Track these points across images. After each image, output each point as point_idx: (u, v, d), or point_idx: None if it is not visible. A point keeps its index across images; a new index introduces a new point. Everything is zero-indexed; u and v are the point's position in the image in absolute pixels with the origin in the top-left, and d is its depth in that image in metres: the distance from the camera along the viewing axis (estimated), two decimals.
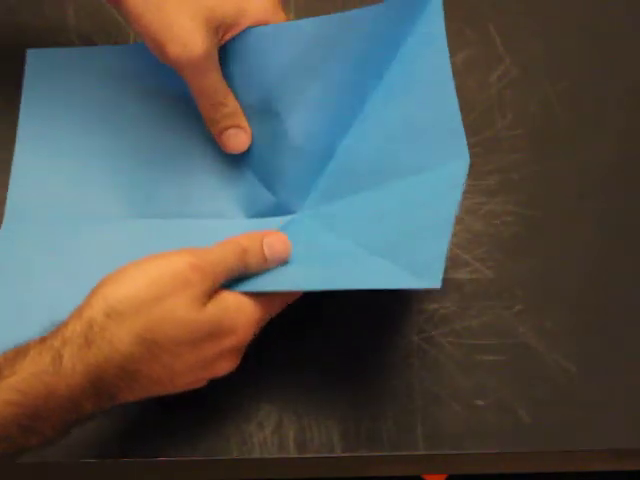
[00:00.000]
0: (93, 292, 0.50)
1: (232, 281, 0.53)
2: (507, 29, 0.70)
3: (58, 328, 0.48)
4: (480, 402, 0.58)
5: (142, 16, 0.58)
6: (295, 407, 0.57)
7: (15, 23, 0.67)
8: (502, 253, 0.63)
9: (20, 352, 0.47)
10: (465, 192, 0.64)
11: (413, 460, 0.57)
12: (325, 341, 0.59)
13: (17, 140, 0.63)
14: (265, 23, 0.61)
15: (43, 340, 0.48)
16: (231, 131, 0.62)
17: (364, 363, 0.59)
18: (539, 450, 0.57)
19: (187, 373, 0.51)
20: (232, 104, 0.62)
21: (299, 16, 0.69)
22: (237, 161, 0.63)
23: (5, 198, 0.62)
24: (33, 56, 0.65)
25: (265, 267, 0.55)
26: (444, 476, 1.00)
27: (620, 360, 0.60)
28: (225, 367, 0.53)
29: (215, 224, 0.62)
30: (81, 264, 0.60)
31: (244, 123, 0.62)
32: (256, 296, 0.53)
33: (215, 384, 0.57)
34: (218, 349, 0.52)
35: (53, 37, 0.67)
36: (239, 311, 0.52)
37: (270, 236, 0.55)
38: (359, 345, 0.59)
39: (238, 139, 0.62)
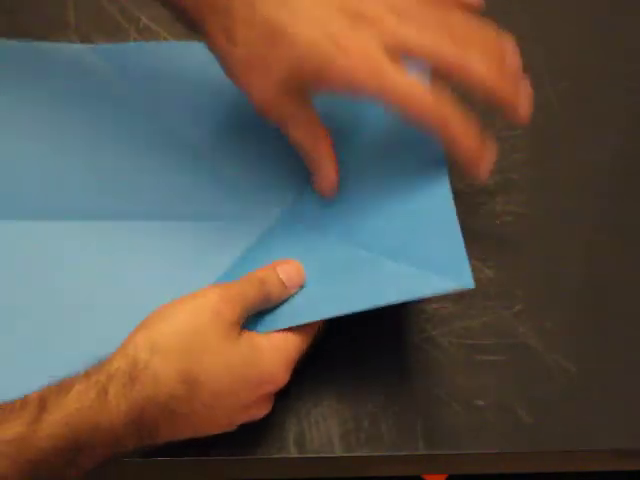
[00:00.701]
0: (137, 329, 0.51)
1: (257, 318, 0.54)
2: (507, 29, 0.70)
3: (103, 364, 0.49)
4: (480, 402, 0.58)
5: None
6: (295, 407, 0.57)
7: (15, 23, 0.67)
8: (502, 253, 0.63)
9: (64, 387, 0.48)
10: (465, 192, 0.64)
11: (413, 460, 0.57)
12: (325, 341, 0.59)
13: None
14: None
15: (88, 376, 0.48)
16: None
17: (364, 363, 0.59)
18: (539, 450, 0.57)
19: (225, 414, 0.52)
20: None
21: None
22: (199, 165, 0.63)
23: None
24: None
25: (286, 293, 0.55)
26: (444, 476, 1.00)
27: (620, 360, 0.60)
28: (260, 412, 0.54)
29: (192, 226, 0.62)
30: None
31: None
32: (285, 333, 0.53)
33: None
34: (257, 394, 0.52)
35: (53, 37, 0.67)
36: (273, 350, 0.53)
37: (282, 264, 0.56)
38: (359, 345, 0.59)
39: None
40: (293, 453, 0.56)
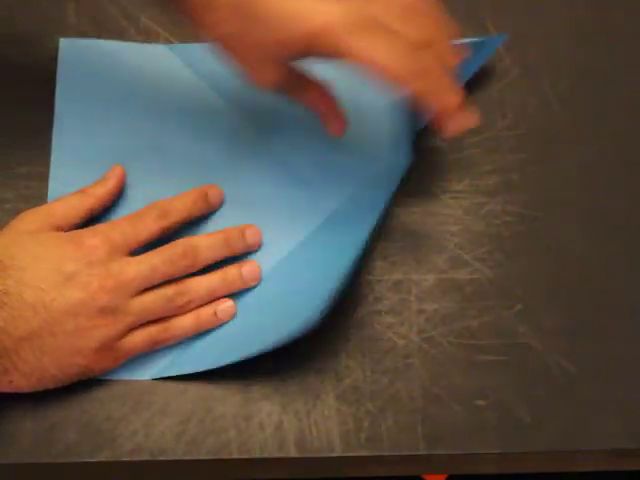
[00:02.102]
0: None
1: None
2: (507, 29, 0.70)
3: None
4: (480, 402, 0.58)
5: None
6: (295, 407, 0.57)
7: (15, 23, 0.67)
8: (502, 253, 0.63)
9: None
10: (465, 192, 0.64)
11: (413, 460, 0.57)
12: (325, 341, 0.59)
13: (54, 130, 0.64)
14: None
15: None
16: None
17: (363, 363, 0.59)
18: (539, 450, 0.57)
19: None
20: None
21: None
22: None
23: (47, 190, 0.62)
24: (66, 45, 0.66)
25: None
26: (444, 476, 1.00)
27: (620, 360, 0.60)
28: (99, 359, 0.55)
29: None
30: None
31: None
32: None
33: (215, 384, 0.57)
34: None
35: (53, 37, 0.67)
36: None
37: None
38: (359, 345, 0.59)
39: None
40: (293, 453, 0.56)
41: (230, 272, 0.59)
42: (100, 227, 0.57)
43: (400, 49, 0.51)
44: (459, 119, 0.55)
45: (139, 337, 0.56)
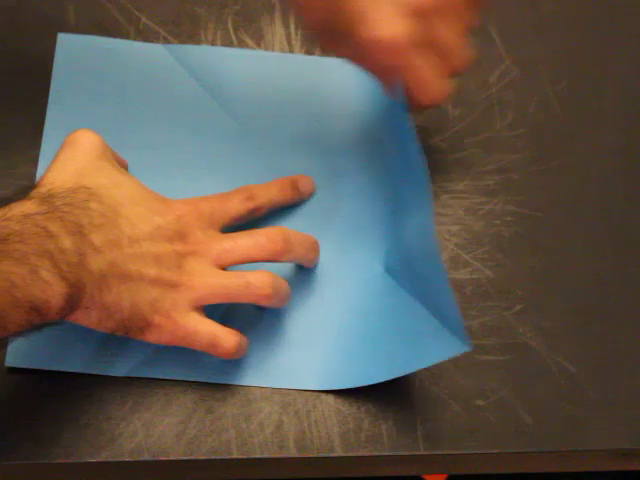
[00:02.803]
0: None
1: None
2: (507, 29, 0.70)
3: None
4: (480, 402, 0.58)
5: None
6: (295, 407, 0.57)
7: (15, 23, 0.67)
8: (502, 253, 0.63)
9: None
10: (465, 192, 0.64)
11: (413, 460, 0.57)
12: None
13: (46, 124, 0.64)
14: None
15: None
16: None
17: None
18: (539, 450, 0.57)
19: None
20: None
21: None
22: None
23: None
24: (63, 40, 0.66)
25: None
26: (444, 476, 1.00)
27: (620, 360, 0.60)
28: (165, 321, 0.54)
29: None
30: None
31: None
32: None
33: (215, 383, 0.57)
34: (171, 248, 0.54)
35: (53, 37, 0.67)
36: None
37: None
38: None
39: None
40: (293, 453, 0.56)
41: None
42: (190, 198, 0.58)
43: (444, 73, 0.56)
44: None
45: (205, 326, 0.55)
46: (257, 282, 0.54)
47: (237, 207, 0.58)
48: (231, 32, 0.69)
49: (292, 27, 0.69)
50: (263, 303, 0.55)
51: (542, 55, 0.70)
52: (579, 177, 0.66)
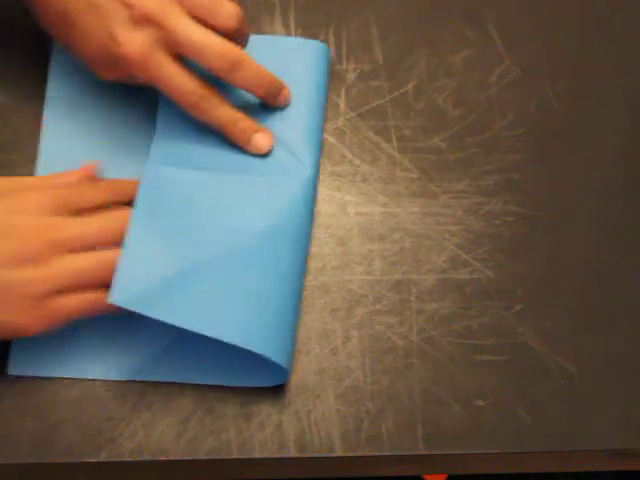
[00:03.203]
0: None
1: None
2: (507, 29, 0.70)
3: None
4: (480, 402, 0.58)
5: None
6: (295, 407, 0.57)
7: (15, 23, 0.67)
8: (502, 253, 0.63)
9: None
10: (465, 192, 0.64)
11: (413, 460, 0.57)
12: (325, 341, 0.59)
13: (43, 129, 0.64)
14: None
15: None
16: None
17: (363, 363, 0.59)
18: (539, 450, 0.57)
19: None
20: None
21: (300, 17, 0.70)
22: None
23: None
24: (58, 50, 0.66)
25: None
26: (444, 476, 1.00)
27: (620, 360, 0.60)
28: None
29: None
30: None
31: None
32: None
33: (215, 384, 0.57)
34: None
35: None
36: None
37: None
38: (358, 345, 0.59)
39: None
40: (293, 453, 0.56)
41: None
42: (48, 179, 0.57)
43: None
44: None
45: (76, 298, 0.54)
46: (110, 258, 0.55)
47: (97, 198, 0.58)
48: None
49: (292, 27, 0.69)
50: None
51: (542, 55, 0.70)
52: (579, 177, 0.66)
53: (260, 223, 0.59)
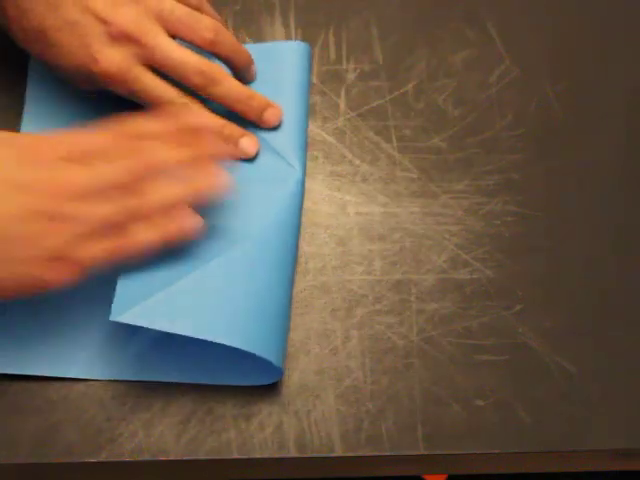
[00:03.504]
0: None
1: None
2: (507, 29, 0.70)
3: None
4: (480, 402, 0.58)
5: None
6: (295, 407, 0.57)
7: None
8: (502, 253, 0.63)
9: None
10: (465, 192, 0.64)
11: (413, 460, 0.57)
12: (324, 341, 0.59)
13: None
14: None
15: None
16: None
17: (363, 363, 0.59)
18: (539, 450, 0.57)
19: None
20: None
21: (300, 17, 0.70)
22: None
23: None
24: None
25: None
26: (444, 476, 1.00)
27: (620, 360, 0.60)
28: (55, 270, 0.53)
29: None
30: None
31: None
32: None
33: (215, 384, 0.57)
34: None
35: None
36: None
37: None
38: (358, 345, 0.59)
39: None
40: (293, 453, 0.56)
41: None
42: (62, 136, 0.55)
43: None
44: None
45: (96, 247, 0.53)
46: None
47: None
48: (231, 32, 0.69)
49: (292, 27, 0.69)
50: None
51: (542, 55, 0.70)
52: (579, 177, 0.66)
53: (254, 228, 0.59)
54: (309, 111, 0.67)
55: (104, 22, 0.58)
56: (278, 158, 0.62)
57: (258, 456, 0.56)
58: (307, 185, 0.64)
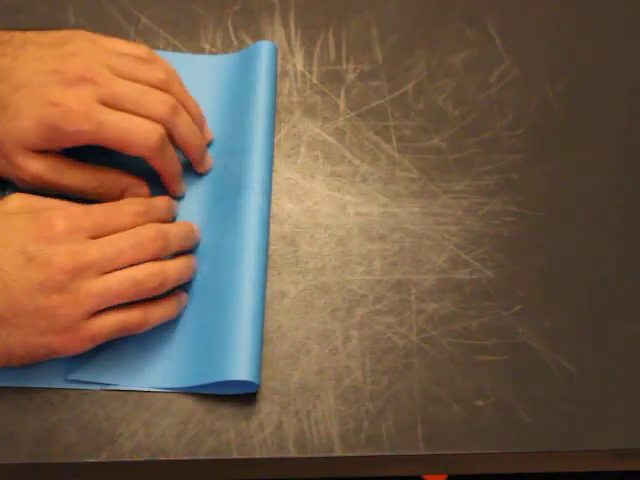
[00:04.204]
0: None
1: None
2: (507, 29, 0.70)
3: None
4: (480, 402, 0.58)
5: None
6: (295, 407, 0.57)
7: (15, 23, 0.67)
8: (502, 253, 0.63)
9: None
10: (465, 192, 0.64)
11: (413, 460, 0.57)
12: (324, 341, 0.59)
13: None
14: None
15: None
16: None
17: (363, 363, 0.59)
18: (539, 450, 0.57)
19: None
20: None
21: (300, 17, 0.70)
22: None
23: None
24: None
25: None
26: (444, 476, 1.00)
27: (620, 360, 0.60)
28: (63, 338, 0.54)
29: None
30: None
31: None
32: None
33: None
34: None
35: None
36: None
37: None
38: (358, 345, 0.59)
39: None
40: (293, 453, 0.56)
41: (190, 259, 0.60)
42: (73, 209, 0.56)
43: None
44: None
45: (108, 320, 0.55)
46: (143, 275, 0.55)
47: (124, 224, 0.57)
48: (231, 32, 0.69)
49: (292, 27, 0.69)
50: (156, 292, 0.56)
51: (542, 55, 0.70)
52: (579, 177, 0.66)
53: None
54: (308, 112, 0.67)
55: (56, 72, 0.58)
56: (236, 182, 0.62)
57: (258, 456, 0.56)
58: (307, 185, 0.64)
